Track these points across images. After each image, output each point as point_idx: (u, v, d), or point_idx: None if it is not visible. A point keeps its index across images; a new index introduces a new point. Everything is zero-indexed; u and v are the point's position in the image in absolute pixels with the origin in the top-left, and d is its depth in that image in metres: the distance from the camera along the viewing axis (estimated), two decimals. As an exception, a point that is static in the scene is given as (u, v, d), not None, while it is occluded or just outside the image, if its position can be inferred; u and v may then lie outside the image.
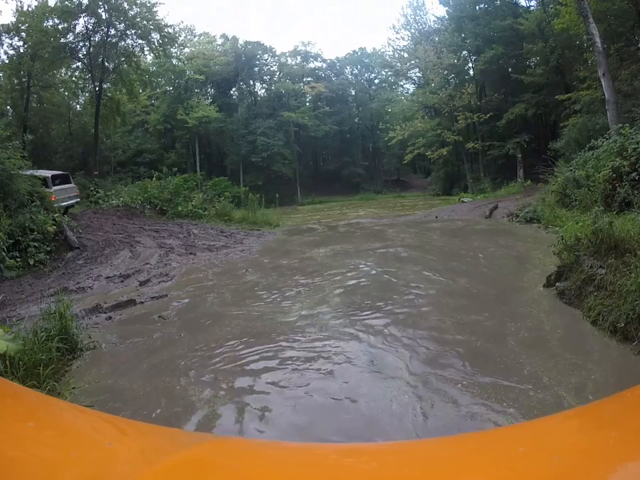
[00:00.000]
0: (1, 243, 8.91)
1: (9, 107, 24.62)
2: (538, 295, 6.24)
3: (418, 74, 35.19)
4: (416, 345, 4.92)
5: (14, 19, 22.14)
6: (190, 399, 4.06)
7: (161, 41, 25.21)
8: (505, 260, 8.75)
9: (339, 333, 5.38)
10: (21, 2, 22.17)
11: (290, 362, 4.72)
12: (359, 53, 43.00)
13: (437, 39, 31.64)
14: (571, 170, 12.49)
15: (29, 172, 15.04)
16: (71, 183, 16.46)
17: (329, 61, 42.04)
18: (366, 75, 44.11)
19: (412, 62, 34.29)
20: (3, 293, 7.76)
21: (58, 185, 15.15)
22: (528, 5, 27.67)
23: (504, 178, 25.30)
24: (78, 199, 16.89)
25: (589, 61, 19.26)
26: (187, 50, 33.67)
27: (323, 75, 41.56)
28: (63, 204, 14.97)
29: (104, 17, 23.42)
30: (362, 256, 9.85)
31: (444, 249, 10.27)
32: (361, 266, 8.84)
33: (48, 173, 15.68)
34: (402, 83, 40.65)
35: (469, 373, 4.20)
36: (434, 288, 7.05)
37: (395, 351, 4.80)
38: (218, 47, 36.49)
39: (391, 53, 36.95)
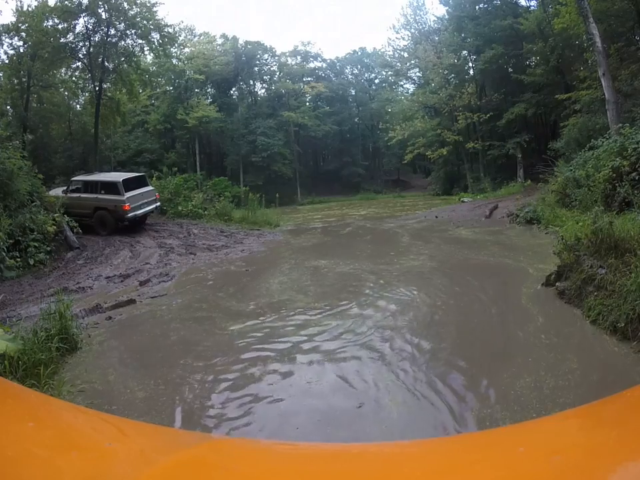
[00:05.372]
0: (1, 243, 8.90)
1: (9, 107, 24.55)
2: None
3: (418, 74, 35.14)
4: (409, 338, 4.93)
5: (14, 19, 22.08)
6: (188, 398, 4.06)
7: (160, 41, 25.12)
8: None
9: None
10: (20, 2, 22.14)
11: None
12: (359, 53, 42.94)
13: (437, 38, 31.55)
14: (571, 170, 12.46)
15: (94, 176, 14.01)
16: (147, 185, 14.30)
17: (328, 61, 41.99)
18: (366, 75, 44.04)
19: (412, 62, 34.21)
20: (3, 292, 7.76)
21: (132, 189, 13.15)
22: (528, 4, 27.58)
23: (504, 178, 25.24)
24: (158, 203, 14.47)
25: (589, 61, 19.20)
26: (187, 50, 33.57)
27: (323, 75, 41.49)
28: (139, 212, 13.29)
29: (104, 17, 23.35)
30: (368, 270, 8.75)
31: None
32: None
33: (118, 177, 13.62)
34: (402, 83, 40.60)
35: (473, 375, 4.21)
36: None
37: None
38: (218, 47, 36.40)
39: (391, 52, 36.89)
